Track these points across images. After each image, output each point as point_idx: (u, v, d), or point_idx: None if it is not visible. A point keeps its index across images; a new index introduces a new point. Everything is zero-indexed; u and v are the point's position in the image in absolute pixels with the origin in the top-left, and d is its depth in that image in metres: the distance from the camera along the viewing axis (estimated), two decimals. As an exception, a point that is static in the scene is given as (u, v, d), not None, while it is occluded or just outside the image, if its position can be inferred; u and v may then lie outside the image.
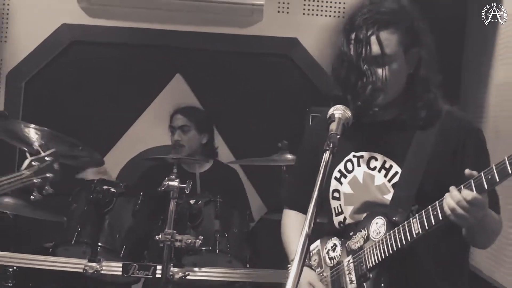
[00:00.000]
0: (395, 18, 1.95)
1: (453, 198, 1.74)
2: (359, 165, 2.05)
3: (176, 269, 3.31)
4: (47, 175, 2.40)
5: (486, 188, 1.70)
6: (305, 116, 4.10)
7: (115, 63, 4.60)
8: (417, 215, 1.83)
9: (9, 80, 4.52)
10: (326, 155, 1.71)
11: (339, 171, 2.09)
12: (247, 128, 4.51)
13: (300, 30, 4.60)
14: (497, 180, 1.67)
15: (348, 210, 2.07)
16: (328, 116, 1.85)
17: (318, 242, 2.17)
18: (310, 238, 1.59)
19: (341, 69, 1.99)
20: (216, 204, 3.60)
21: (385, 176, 2.00)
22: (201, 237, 3.34)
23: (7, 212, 3.63)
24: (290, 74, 4.61)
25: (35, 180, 2.35)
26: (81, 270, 3.33)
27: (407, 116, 1.99)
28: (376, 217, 1.95)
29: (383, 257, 1.88)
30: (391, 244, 1.86)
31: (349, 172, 2.08)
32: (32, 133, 3.29)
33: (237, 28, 4.56)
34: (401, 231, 1.85)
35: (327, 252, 2.11)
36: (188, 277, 3.35)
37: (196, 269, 3.38)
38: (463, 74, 4.19)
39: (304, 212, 2.09)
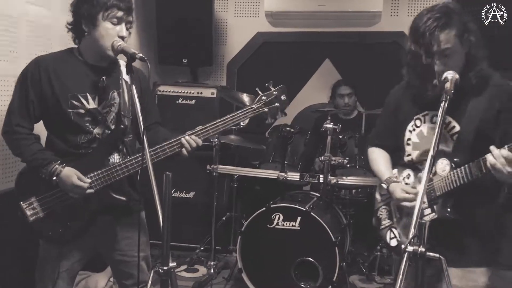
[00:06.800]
0: (448, 19, 1.69)
1: (494, 155, 1.52)
2: (424, 121, 1.85)
3: (332, 177, 3.32)
4: (276, 104, 2.03)
5: None
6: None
7: (288, 53, 4.60)
8: (475, 162, 1.60)
9: (228, 68, 4.67)
10: (443, 104, 1.56)
11: (412, 125, 1.89)
12: (375, 87, 4.27)
13: (406, 26, 4.32)
14: None
15: (415, 153, 1.88)
16: (443, 78, 1.65)
17: (395, 170, 1.99)
18: (435, 159, 1.48)
19: (414, 63, 1.77)
20: (355, 138, 3.56)
21: (445, 128, 1.75)
22: (347, 158, 3.36)
23: (232, 143, 3.74)
24: (399, 54, 4.36)
25: (266, 109, 2.02)
26: (275, 177, 3.41)
27: (463, 84, 1.69)
28: (442, 158, 1.72)
29: (449, 188, 1.68)
30: (455, 181, 1.66)
31: (417, 127, 1.87)
32: (245, 97, 3.39)
33: (364, 27, 4.39)
34: (462, 172, 1.64)
35: (403, 179, 1.93)
36: (339, 182, 3.33)
37: (344, 177, 3.37)
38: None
39: (385, 149, 2.06)
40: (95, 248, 2.12)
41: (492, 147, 1.55)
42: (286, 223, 3.06)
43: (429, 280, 1.64)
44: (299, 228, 3.04)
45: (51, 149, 1.97)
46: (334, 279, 2.95)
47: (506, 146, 1.52)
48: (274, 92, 2.05)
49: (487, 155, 1.56)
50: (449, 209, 1.72)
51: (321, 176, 3.32)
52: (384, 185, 1.95)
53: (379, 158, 2.07)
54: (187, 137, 1.96)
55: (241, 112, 2.01)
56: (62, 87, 1.93)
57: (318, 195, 3.43)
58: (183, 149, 1.96)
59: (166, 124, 2.27)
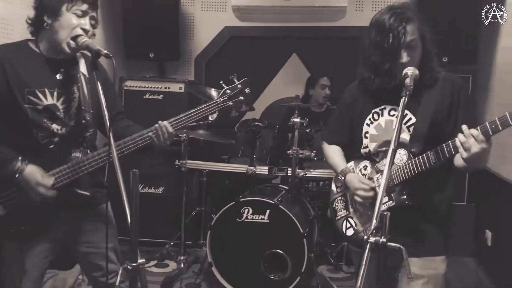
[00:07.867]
0: (411, 14, 1.77)
1: (465, 134, 1.56)
2: (382, 115, 1.90)
3: (300, 170, 3.39)
4: (240, 98, 2.01)
5: (491, 133, 1.53)
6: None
7: (255, 48, 4.61)
8: (433, 150, 1.68)
9: (196, 62, 4.63)
10: (403, 99, 1.60)
11: (369, 119, 1.94)
12: (342, 82, 4.37)
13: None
14: (500, 128, 1.51)
15: (372, 145, 1.93)
16: (403, 74, 1.71)
17: (352, 163, 2.02)
18: (394, 153, 1.50)
19: (373, 55, 1.81)
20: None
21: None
22: (314, 151, 3.43)
23: (200, 138, 3.75)
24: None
25: (230, 103, 1.99)
26: (244, 171, 3.44)
27: (419, 78, 1.73)
28: (399, 149, 1.77)
29: (407, 177, 1.75)
30: (413, 169, 1.73)
31: (375, 120, 1.92)
32: (213, 92, 3.38)
33: (330, 22, 4.45)
34: (421, 160, 1.71)
35: (360, 170, 1.96)
36: (306, 175, 3.40)
37: (311, 170, 3.44)
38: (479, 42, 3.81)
39: (341, 146, 2.13)
40: (61, 243, 2.08)
41: (464, 126, 1.58)
42: (255, 217, 3.09)
43: (389, 270, 1.69)
44: (268, 221, 3.07)
45: (6, 145, 1.87)
46: (303, 270, 3.01)
47: (478, 127, 1.56)
48: (238, 86, 2.02)
49: (458, 135, 1.59)
50: (405, 196, 1.79)
51: (289, 169, 3.37)
52: (340, 177, 2.01)
53: (334, 152, 2.14)
54: (161, 122, 1.94)
55: (206, 106, 1.98)
56: (18, 81, 1.83)
57: (287, 188, 3.48)
58: (154, 138, 1.92)
59: (133, 120, 2.25)
